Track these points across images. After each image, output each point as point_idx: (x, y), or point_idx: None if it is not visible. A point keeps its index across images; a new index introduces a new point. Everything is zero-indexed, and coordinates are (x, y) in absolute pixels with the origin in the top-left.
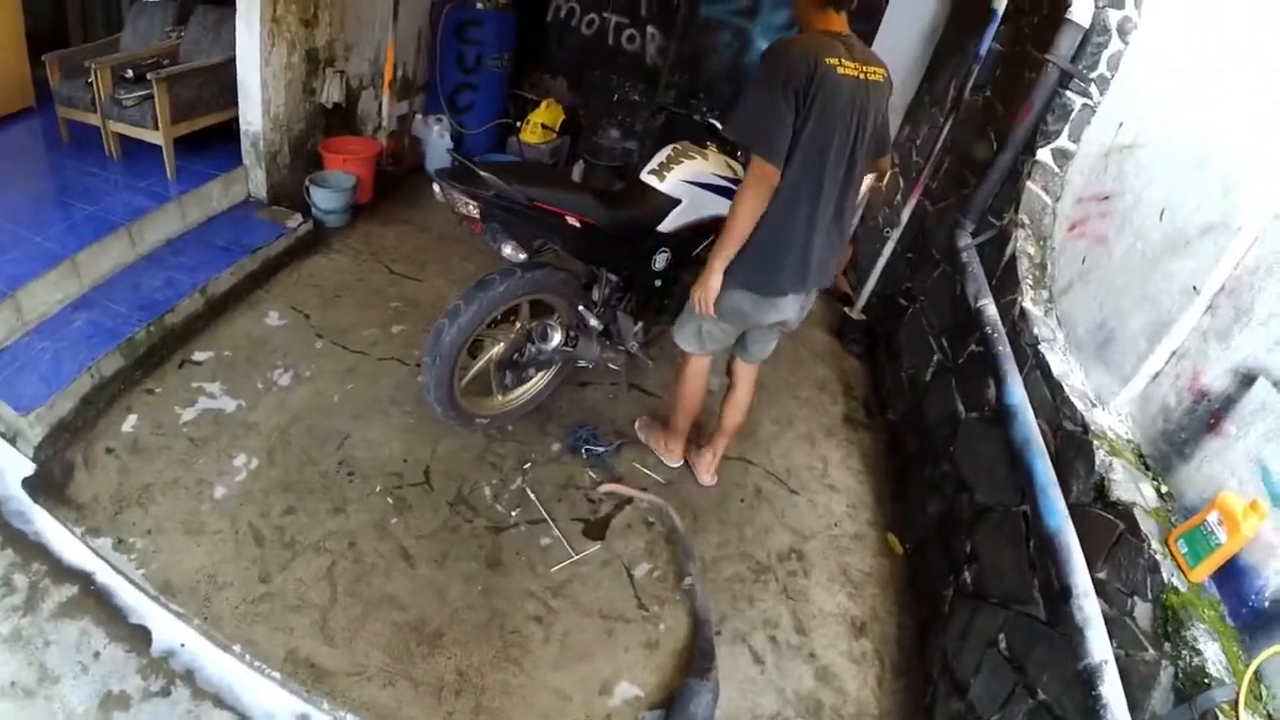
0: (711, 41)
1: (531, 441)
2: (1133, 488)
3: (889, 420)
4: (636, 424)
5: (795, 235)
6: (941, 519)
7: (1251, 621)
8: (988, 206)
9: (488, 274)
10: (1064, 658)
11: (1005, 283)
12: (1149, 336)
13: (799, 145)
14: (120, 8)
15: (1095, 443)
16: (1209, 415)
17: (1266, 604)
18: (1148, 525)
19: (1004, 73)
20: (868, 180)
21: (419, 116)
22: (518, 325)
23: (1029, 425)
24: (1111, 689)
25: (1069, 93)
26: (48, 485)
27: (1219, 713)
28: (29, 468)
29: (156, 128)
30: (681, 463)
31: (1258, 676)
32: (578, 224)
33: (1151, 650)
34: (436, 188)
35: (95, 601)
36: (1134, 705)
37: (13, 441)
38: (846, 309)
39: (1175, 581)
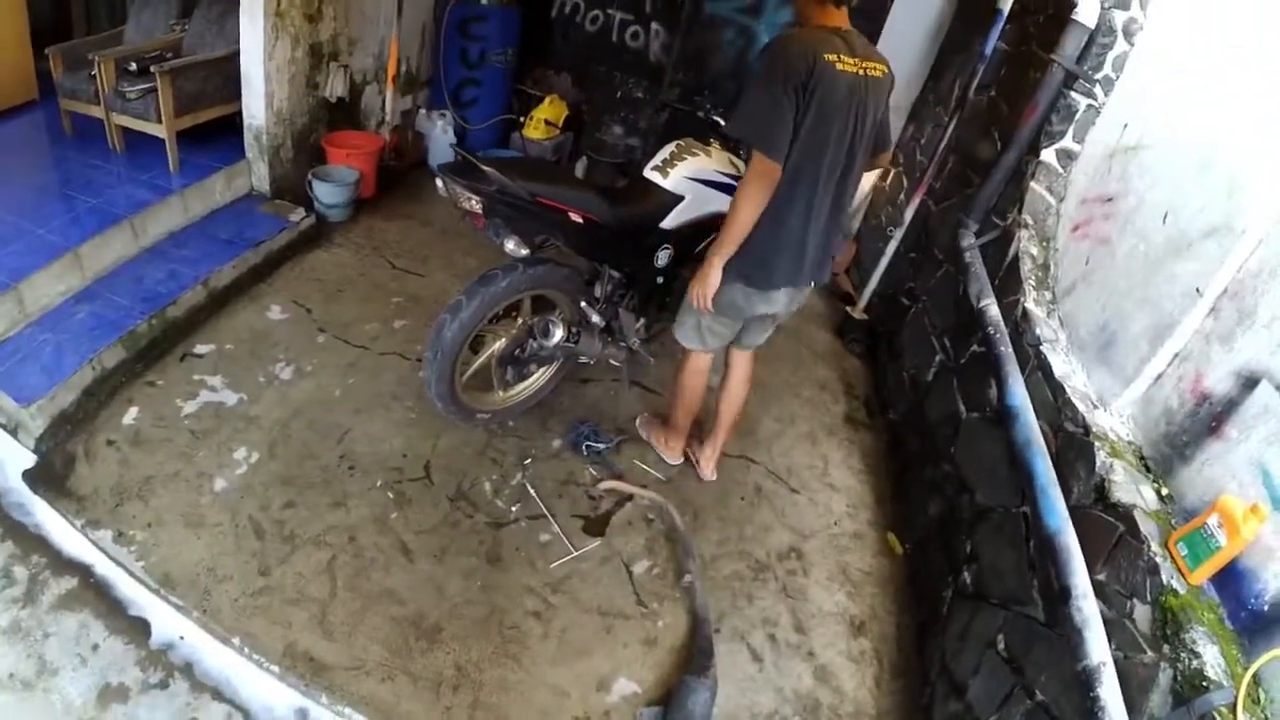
0: (716, 38)
1: (532, 437)
2: (1133, 489)
3: (890, 420)
4: (637, 421)
5: (791, 230)
6: (942, 519)
7: (1250, 625)
8: (991, 207)
9: (490, 269)
10: (1063, 659)
11: (1008, 283)
12: (1151, 338)
13: (797, 140)
14: (124, 1)
15: (1096, 444)
16: (1211, 418)
17: (1266, 607)
18: (1148, 527)
19: (1009, 73)
20: (871, 178)
21: (422, 111)
22: (519, 321)
23: (1030, 426)
24: (1110, 691)
25: (1074, 93)
26: (48, 477)
27: (1217, 716)
28: (30, 459)
29: (159, 121)
30: (682, 460)
31: (1256, 680)
32: (580, 220)
33: (1150, 652)
34: (439, 182)
35: (95, 594)
36: (1132, 707)
37: (14, 433)
38: (849, 308)
39: (1175, 584)
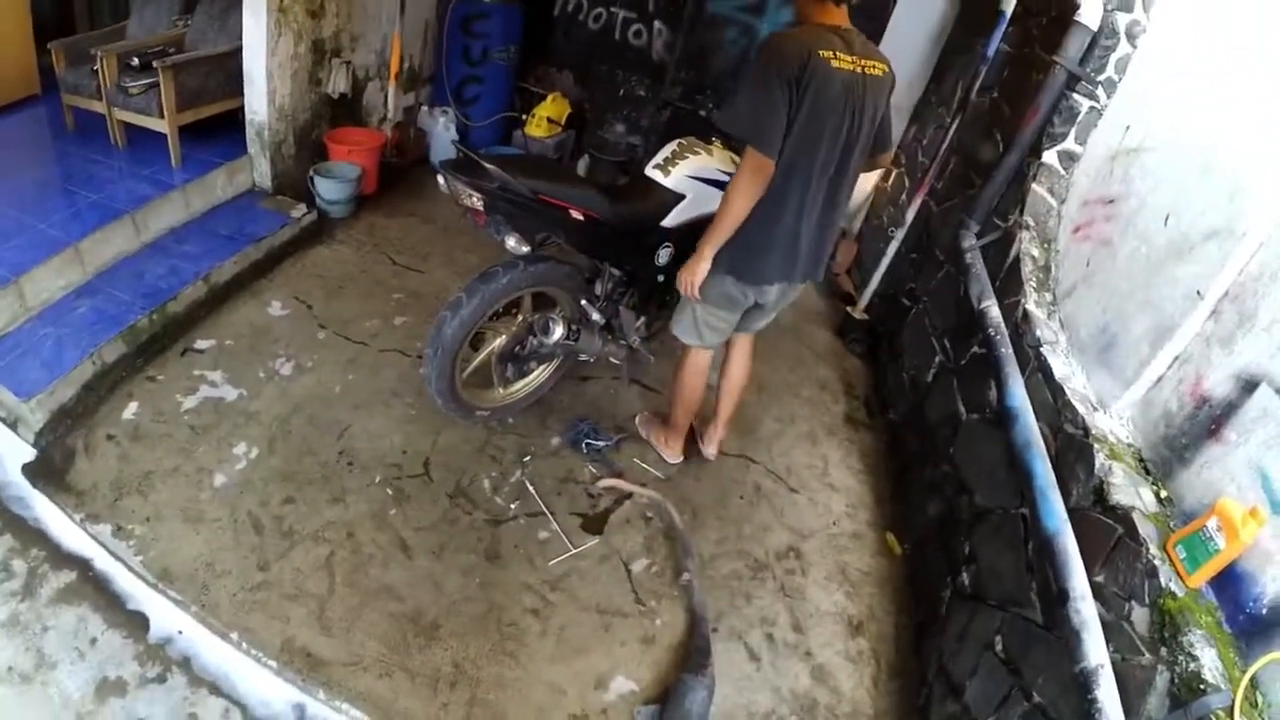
0: (718, 37)
1: (532, 435)
2: (1132, 492)
3: (890, 420)
4: (637, 419)
5: (784, 226)
6: (941, 520)
7: (1248, 628)
8: (993, 208)
9: (490, 266)
10: (1060, 661)
11: (1009, 284)
12: (1152, 341)
13: (791, 137)
14: None
15: (1096, 446)
16: (1210, 421)
17: (1264, 611)
18: (1146, 530)
19: (1011, 74)
20: (872, 178)
21: (424, 108)
22: (520, 318)
23: (1030, 427)
24: (1107, 693)
25: (1076, 95)
26: (48, 471)
27: (1215, 719)
28: (29, 453)
29: (162, 116)
30: (681, 459)
31: (1254, 683)
32: (581, 217)
33: (1148, 655)
34: (441, 179)
35: (93, 588)
36: (1129, 710)
37: (14, 427)
38: (849, 308)
39: (1173, 587)
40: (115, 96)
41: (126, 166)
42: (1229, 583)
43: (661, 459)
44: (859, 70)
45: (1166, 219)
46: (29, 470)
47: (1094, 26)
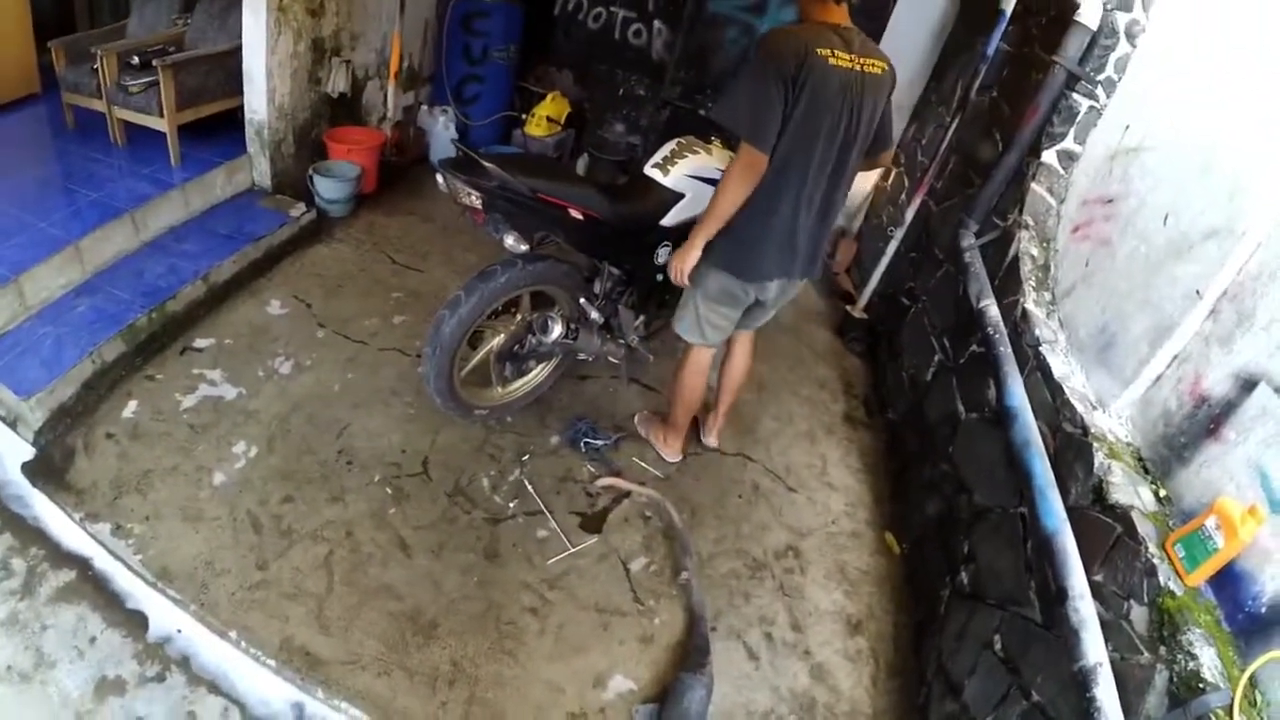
0: (718, 37)
1: (530, 434)
2: (1131, 491)
3: (889, 419)
4: (636, 418)
5: (781, 223)
6: (940, 519)
7: (1247, 627)
8: (992, 207)
9: (489, 265)
10: (1059, 660)
11: (1008, 284)
12: (1151, 340)
13: (787, 133)
14: None
15: (1095, 445)
16: (1209, 420)
17: (1263, 610)
18: (1145, 529)
19: (1011, 73)
20: (871, 177)
21: (424, 107)
22: (518, 317)
23: (1029, 427)
24: (1106, 692)
25: (1075, 95)
26: (47, 470)
27: (1213, 718)
28: (29, 452)
29: (161, 115)
30: (681, 458)
31: (1253, 682)
32: (580, 216)
33: (1147, 654)
34: (440, 177)
35: (93, 587)
36: (1128, 709)
37: (13, 426)
38: (849, 307)
39: (1172, 585)
40: (115, 95)
41: (126, 165)
42: (1228, 581)
43: (660, 458)
44: (858, 68)
45: (1166, 218)
46: (28, 469)
47: (1093, 26)
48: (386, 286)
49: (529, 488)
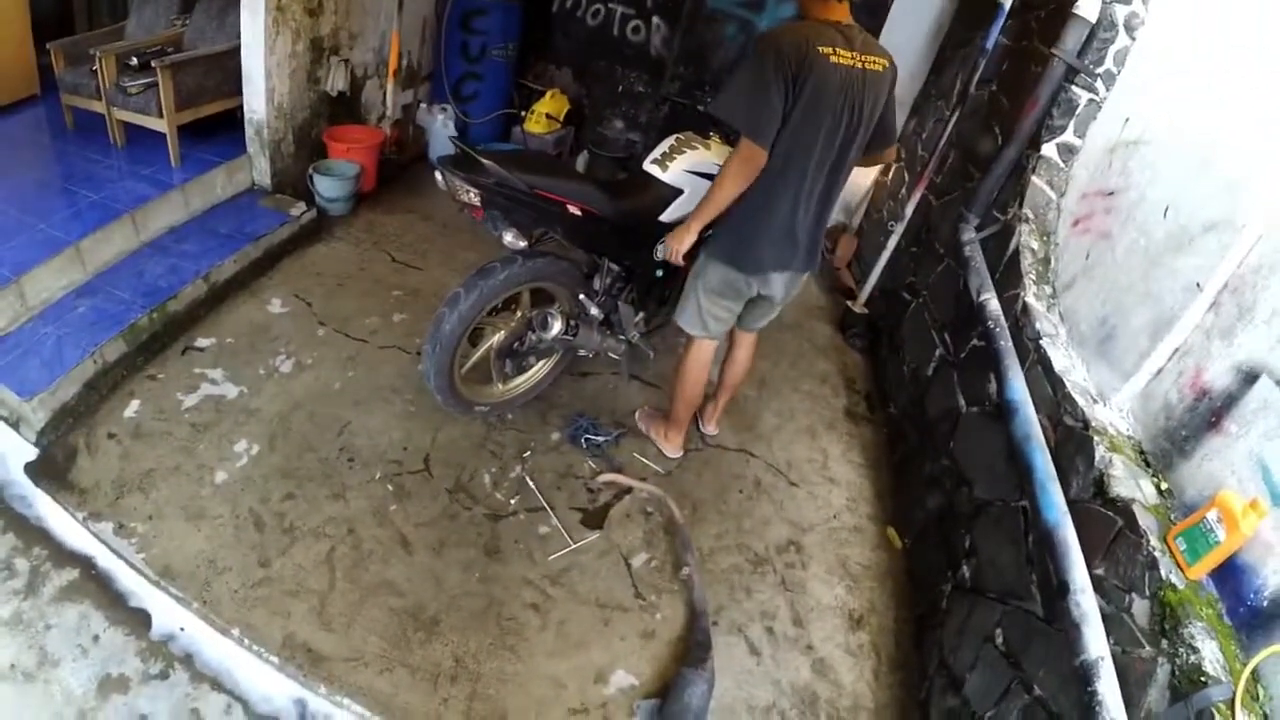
0: (717, 33)
1: (531, 430)
2: (1132, 484)
3: (890, 414)
4: (637, 414)
5: (780, 218)
6: (941, 513)
7: (1249, 620)
8: (992, 201)
9: (488, 262)
10: (1060, 654)
11: (1008, 278)
12: (1151, 333)
13: (787, 130)
14: None
15: (1095, 439)
16: (1210, 413)
17: (1265, 603)
18: (1147, 522)
19: (1010, 67)
20: (870, 173)
21: (423, 106)
22: (518, 314)
23: (1029, 420)
24: (1107, 686)
25: (1075, 88)
26: (50, 470)
27: (1215, 712)
28: (31, 452)
29: (161, 115)
30: (682, 454)
31: (1255, 676)
32: (579, 212)
33: (1148, 647)
34: (438, 175)
35: (96, 585)
36: (1130, 702)
37: (15, 426)
38: (849, 303)
39: (1173, 579)
40: (114, 96)
41: (126, 166)
42: (1230, 575)
43: (661, 454)
44: (858, 65)
45: (1166, 211)
46: (31, 469)
47: (1092, 19)
48: (386, 284)
49: (530, 484)
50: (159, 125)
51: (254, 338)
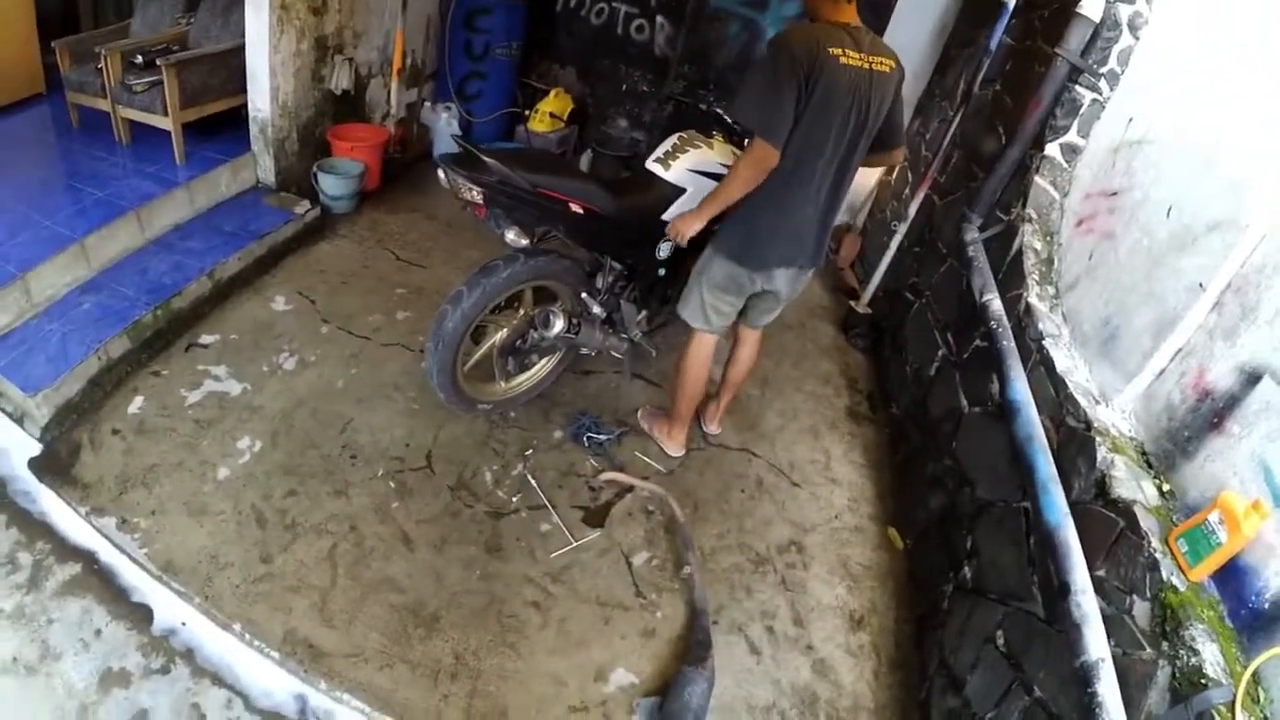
0: (720, 32)
1: (533, 428)
2: (1134, 485)
3: (892, 414)
4: (639, 413)
5: (789, 216)
6: (942, 514)
7: (1251, 623)
8: (995, 201)
9: (491, 260)
10: (1061, 655)
11: (1011, 278)
12: (1154, 334)
13: (799, 131)
14: None
15: (1098, 439)
16: (1213, 414)
17: (1266, 605)
18: (1148, 523)
19: (1014, 67)
20: (875, 173)
21: (427, 104)
22: (521, 312)
23: (1032, 421)
24: (1108, 687)
25: (1078, 88)
26: (53, 465)
27: (1215, 714)
28: (35, 448)
29: (166, 113)
30: (684, 452)
31: (1255, 679)
32: (581, 211)
33: (1149, 649)
34: (441, 173)
35: (98, 580)
36: (1130, 704)
37: (20, 422)
38: (852, 303)
39: (1175, 580)
40: (119, 94)
41: (131, 164)
42: (1231, 577)
43: (663, 453)
44: (867, 67)
45: (1169, 211)
46: (35, 464)
47: (1096, 18)
48: (390, 283)
49: (532, 482)
50: (164, 123)
51: (258, 335)
